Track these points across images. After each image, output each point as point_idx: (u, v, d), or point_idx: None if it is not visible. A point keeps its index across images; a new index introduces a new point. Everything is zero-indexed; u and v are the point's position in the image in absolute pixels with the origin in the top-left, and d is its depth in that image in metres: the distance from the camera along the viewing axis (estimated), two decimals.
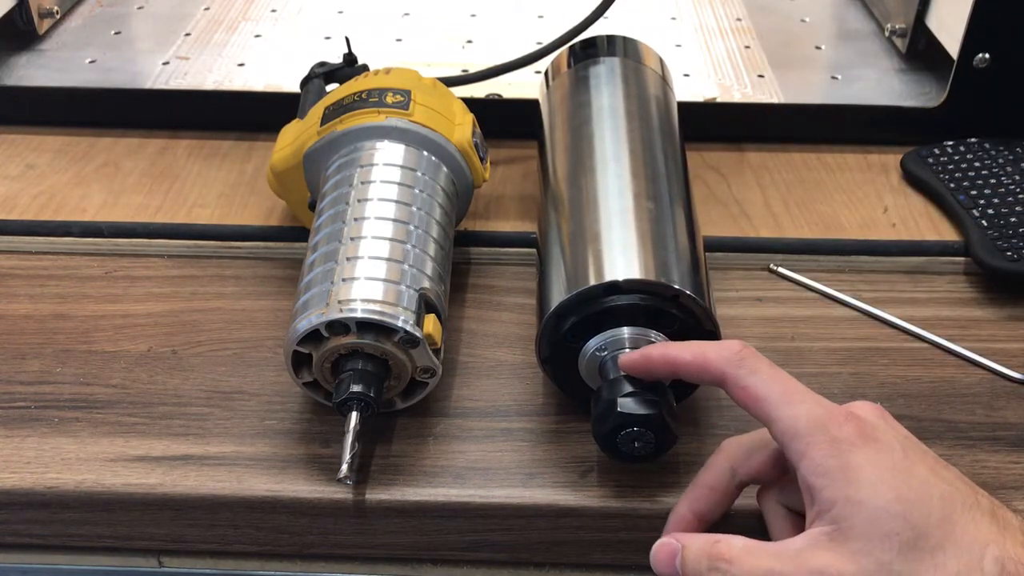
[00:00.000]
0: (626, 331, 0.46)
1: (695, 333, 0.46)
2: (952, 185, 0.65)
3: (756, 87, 0.76)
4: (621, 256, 0.48)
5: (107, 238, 0.63)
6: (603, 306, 0.46)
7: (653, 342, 0.46)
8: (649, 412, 0.43)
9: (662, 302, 0.46)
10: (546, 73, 0.66)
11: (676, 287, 0.46)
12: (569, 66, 0.64)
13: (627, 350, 0.46)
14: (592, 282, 0.46)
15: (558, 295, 0.47)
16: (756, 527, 0.46)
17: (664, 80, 0.63)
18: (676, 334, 0.46)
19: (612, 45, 0.63)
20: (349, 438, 0.45)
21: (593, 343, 0.46)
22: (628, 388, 0.44)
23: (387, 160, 0.53)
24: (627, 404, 0.43)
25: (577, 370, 0.48)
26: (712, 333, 0.47)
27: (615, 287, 0.46)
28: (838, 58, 0.80)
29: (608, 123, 0.57)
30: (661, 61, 0.65)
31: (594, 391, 0.46)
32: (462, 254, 0.61)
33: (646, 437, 0.44)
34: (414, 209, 0.51)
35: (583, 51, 0.64)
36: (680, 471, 0.48)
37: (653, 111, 0.59)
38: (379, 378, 0.47)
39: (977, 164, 0.66)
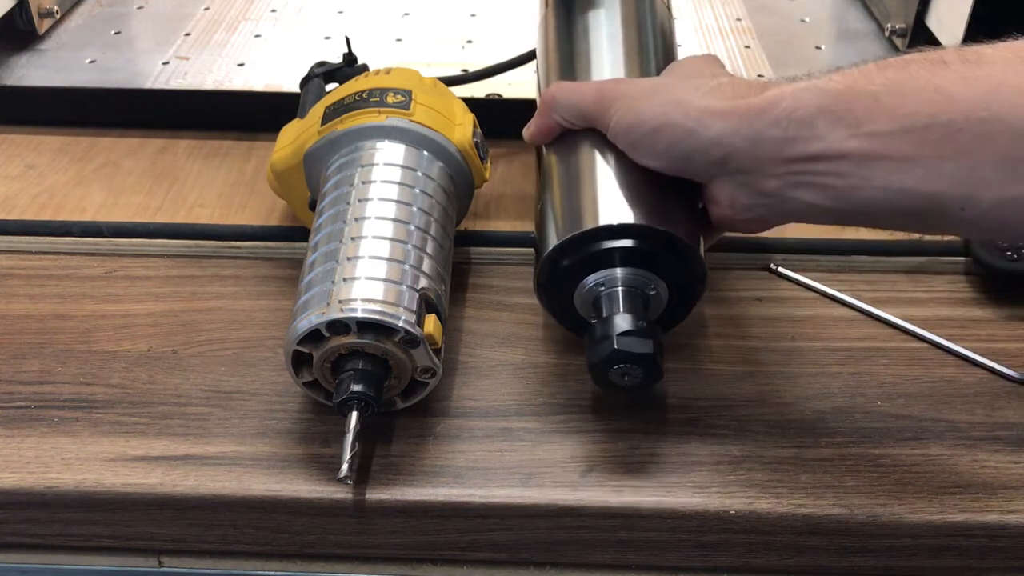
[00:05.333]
0: (619, 272, 0.48)
1: (685, 275, 0.49)
2: None
3: None
4: (618, 201, 0.49)
5: (107, 238, 0.62)
6: (602, 247, 0.48)
7: (649, 284, 0.48)
8: (644, 351, 0.46)
9: (655, 246, 0.48)
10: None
11: (673, 233, 0.48)
12: None
13: (619, 289, 0.48)
14: (589, 226, 0.48)
15: (561, 232, 0.49)
16: (757, 529, 0.47)
17: (667, 6, 0.63)
18: (670, 276, 0.49)
19: None
20: (349, 438, 0.45)
21: (592, 279, 0.49)
22: (624, 327, 0.46)
23: (388, 160, 0.53)
24: (624, 342, 0.46)
25: (571, 301, 0.50)
26: (703, 277, 0.49)
27: (613, 230, 0.48)
28: (838, 58, 0.80)
29: (606, 49, 0.58)
30: None
31: (590, 325, 0.48)
32: (462, 254, 0.61)
33: (636, 372, 0.46)
34: (414, 209, 0.51)
35: None
36: (680, 471, 0.48)
37: (650, 41, 0.59)
38: (379, 378, 0.47)
39: None
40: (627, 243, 0.48)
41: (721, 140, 0.45)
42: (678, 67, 0.52)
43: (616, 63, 0.57)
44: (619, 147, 0.49)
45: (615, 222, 0.48)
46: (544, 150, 0.55)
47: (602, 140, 0.51)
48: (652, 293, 0.49)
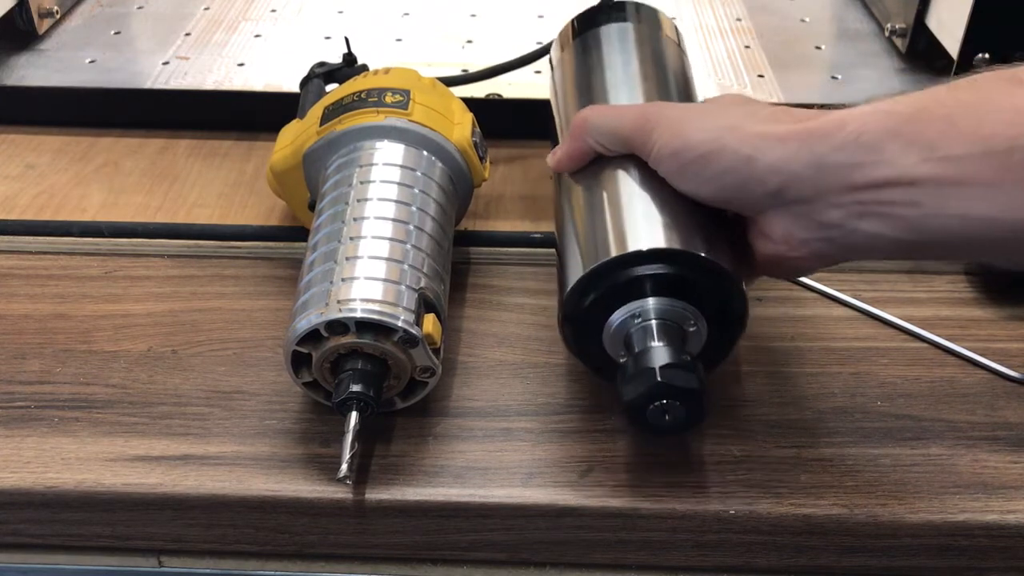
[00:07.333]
0: (654, 302, 0.44)
1: (727, 310, 0.45)
2: None
3: (756, 87, 0.76)
4: (652, 225, 0.46)
5: (107, 238, 0.62)
6: (636, 274, 0.44)
7: (688, 318, 0.45)
8: (690, 386, 0.42)
9: (696, 274, 0.44)
10: (550, 56, 0.65)
11: (713, 259, 0.44)
12: (576, 35, 0.61)
13: (656, 321, 0.44)
14: (618, 252, 0.45)
15: (589, 260, 0.45)
16: (757, 529, 0.46)
17: (680, 48, 0.61)
18: (709, 310, 0.45)
19: (622, 10, 0.61)
20: (349, 438, 0.45)
21: (621, 311, 0.45)
22: (667, 359, 0.42)
23: (386, 160, 0.53)
24: (668, 375, 0.42)
25: (599, 337, 0.46)
26: (743, 316, 0.46)
27: (648, 256, 0.44)
28: (838, 58, 0.80)
29: (624, 89, 0.55)
30: (676, 28, 0.63)
31: (624, 359, 0.44)
32: (462, 254, 0.61)
33: (678, 411, 0.42)
34: (413, 209, 0.51)
35: (592, 17, 0.61)
36: (680, 471, 0.48)
37: (671, 81, 0.57)
38: (378, 378, 0.47)
39: None
40: (663, 269, 0.44)
41: (780, 167, 0.41)
42: (720, 98, 0.49)
43: (635, 99, 0.54)
44: (662, 173, 0.46)
45: (647, 247, 0.44)
46: (565, 180, 0.52)
47: (632, 165, 0.47)
48: (691, 329, 0.45)
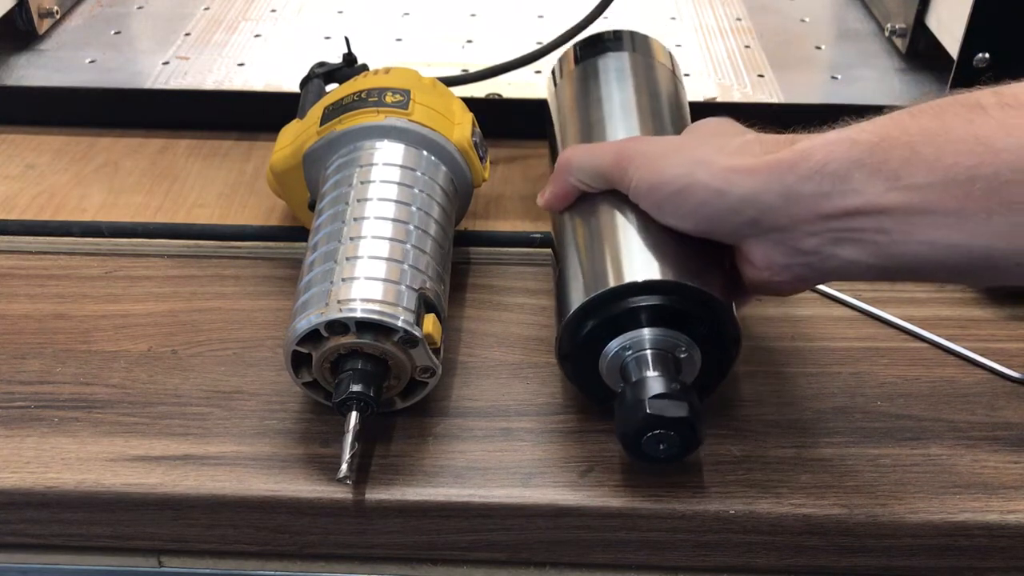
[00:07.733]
0: (647, 332, 0.46)
1: (719, 336, 0.46)
2: None
3: (756, 87, 0.76)
4: (644, 258, 0.47)
5: (107, 238, 0.63)
6: (628, 306, 0.45)
7: (680, 345, 0.46)
8: (679, 415, 0.43)
9: (687, 304, 0.45)
10: (553, 72, 0.65)
11: (705, 290, 0.45)
12: (576, 62, 0.62)
13: (648, 351, 0.45)
14: (612, 284, 0.46)
15: (582, 294, 0.47)
16: (757, 529, 0.46)
17: (674, 75, 0.62)
18: (702, 337, 0.46)
19: (619, 40, 0.62)
20: (349, 438, 0.45)
21: (616, 343, 0.46)
22: (657, 390, 0.43)
23: (386, 160, 0.53)
24: (657, 406, 0.43)
25: (596, 370, 0.47)
26: (736, 339, 0.47)
27: (640, 288, 0.45)
28: (838, 58, 0.80)
29: (620, 116, 0.56)
30: (670, 55, 0.63)
31: (619, 392, 0.46)
32: (462, 254, 0.61)
33: (672, 439, 0.43)
34: (413, 209, 0.51)
35: (590, 47, 0.62)
36: (680, 471, 0.48)
37: (665, 108, 0.58)
38: (378, 378, 0.47)
39: None
40: (653, 301, 0.45)
41: (751, 198, 0.42)
42: (698, 127, 0.50)
43: (631, 130, 0.55)
44: (643, 207, 0.47)
45: (640, 279, 0.45)
46: (559, 216, 0.53)
47: (622, 200, 0.49)
48: (683, 356, 0.46)
